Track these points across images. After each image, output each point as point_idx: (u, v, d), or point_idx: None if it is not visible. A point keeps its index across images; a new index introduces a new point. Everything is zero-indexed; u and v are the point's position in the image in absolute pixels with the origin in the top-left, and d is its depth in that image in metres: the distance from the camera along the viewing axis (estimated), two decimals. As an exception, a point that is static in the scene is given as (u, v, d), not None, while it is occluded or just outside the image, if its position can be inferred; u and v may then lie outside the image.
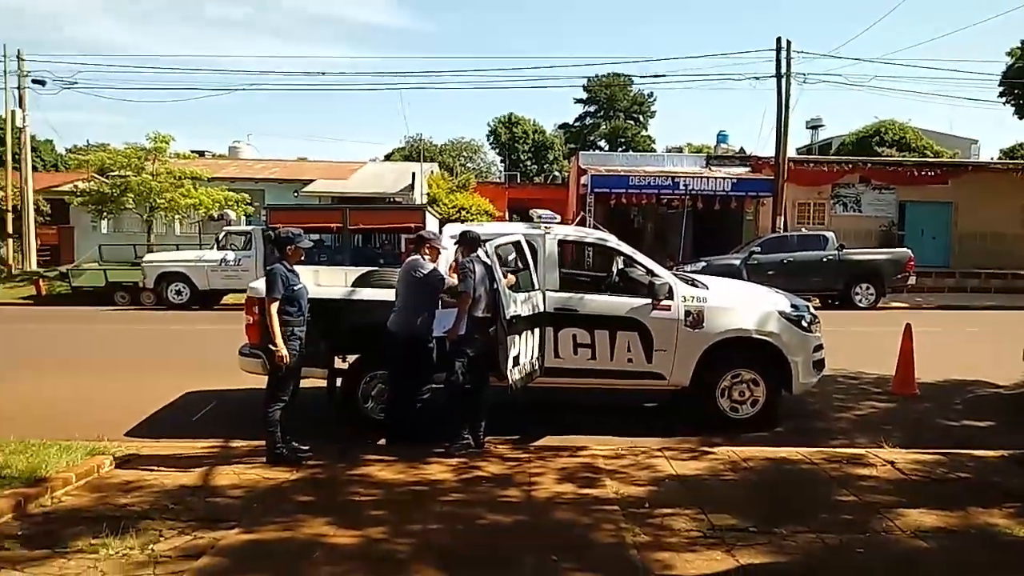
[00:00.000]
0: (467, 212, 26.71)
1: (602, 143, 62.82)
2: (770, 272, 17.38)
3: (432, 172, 34.20)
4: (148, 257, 20.26)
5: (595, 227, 17.11)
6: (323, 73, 78.99)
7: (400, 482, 5.42)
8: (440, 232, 7.92)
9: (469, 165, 60.39)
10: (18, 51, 25.97)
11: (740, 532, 4.46)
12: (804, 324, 7.36)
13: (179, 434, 6.81)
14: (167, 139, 24.61)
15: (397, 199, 28.06)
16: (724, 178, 24.96)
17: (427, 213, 19.88)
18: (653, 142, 62.41)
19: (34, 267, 25.59)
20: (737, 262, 18.26)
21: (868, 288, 18.42)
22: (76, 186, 26.03)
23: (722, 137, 35.00)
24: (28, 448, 5.77)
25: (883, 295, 18.61)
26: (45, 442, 5.90)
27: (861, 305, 18.27)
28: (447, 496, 5.13)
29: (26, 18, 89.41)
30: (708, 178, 24.91)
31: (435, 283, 6.36)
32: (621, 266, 8.35)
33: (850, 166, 26.96)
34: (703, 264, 18.08)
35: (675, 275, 7.69)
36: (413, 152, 49.24)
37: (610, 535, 4.43)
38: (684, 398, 7.48)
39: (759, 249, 18.84)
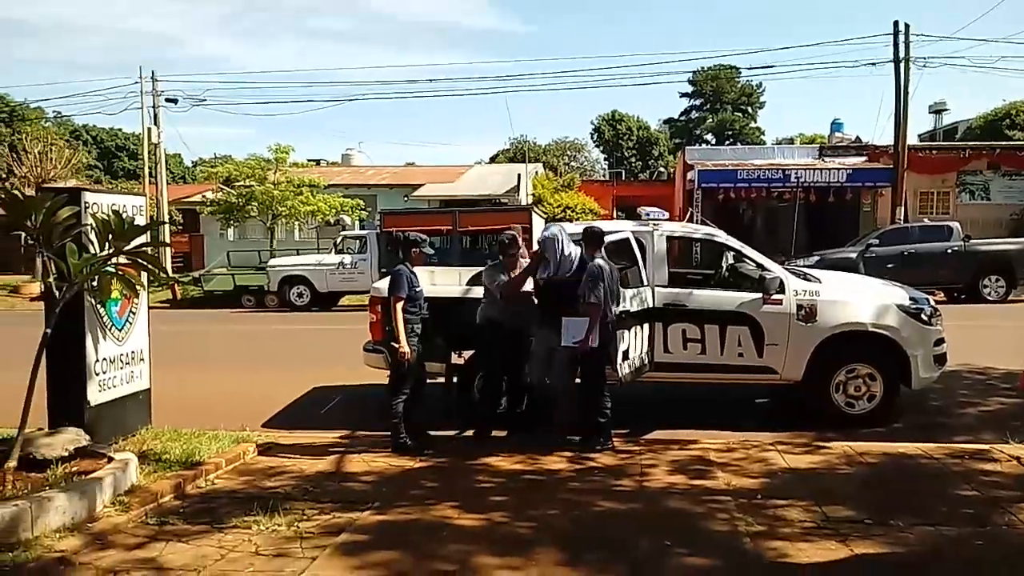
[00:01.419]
0: (572, 211, 26.88)
1: (709, 137, 61.63)
2: (889, 265, 16.73)
3: (537, 172, 34.56)
4: (272, 262, 21.48)
5: (703, 223, 16.96)
6: (431, 80, 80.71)
7: (518, 471, 5.68)
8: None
9: (573, 164, 60.45)
10: (152, 72, 27.96)
11: (855, 524, 4.47)
12: (924, 317, 7.18)
13: (310, 425, 7.32)
14: (287, 150, 25.97)
15: (503, 200, 28.54)
16: (839, 169, 24.16)
17: (533, 213, 20.18)
18: (762, 134, 60.76)
19: (170, 273, 27.54)
20: (854, 255, 17.67)
21: (998, 280, 17.44)
22: (205, 197, 27.87)
23: (836, 126, 33.73)
24: (182, 436, 6.36)
25: (1014, 287, 17.57)
26: (196, 431, 6.49)
27: (990, 298, 17.32)
28: (563, 484, 5.36)
29: (150, 39, 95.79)
30: (821, 169, 24.16)
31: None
32: (731, 261, 8.35)
33: (977, 152, 25.53)
34: (816, 258, 17.58)
35: (786, 269, 7.64)
36: (517, 153, 49.78)
37: (723, 524, 4.54)
38: (797, 393, 7.42)
39: (877, 241, 18.15)
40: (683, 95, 63.60)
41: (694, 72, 58.07)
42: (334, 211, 25.18)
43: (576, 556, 4.07)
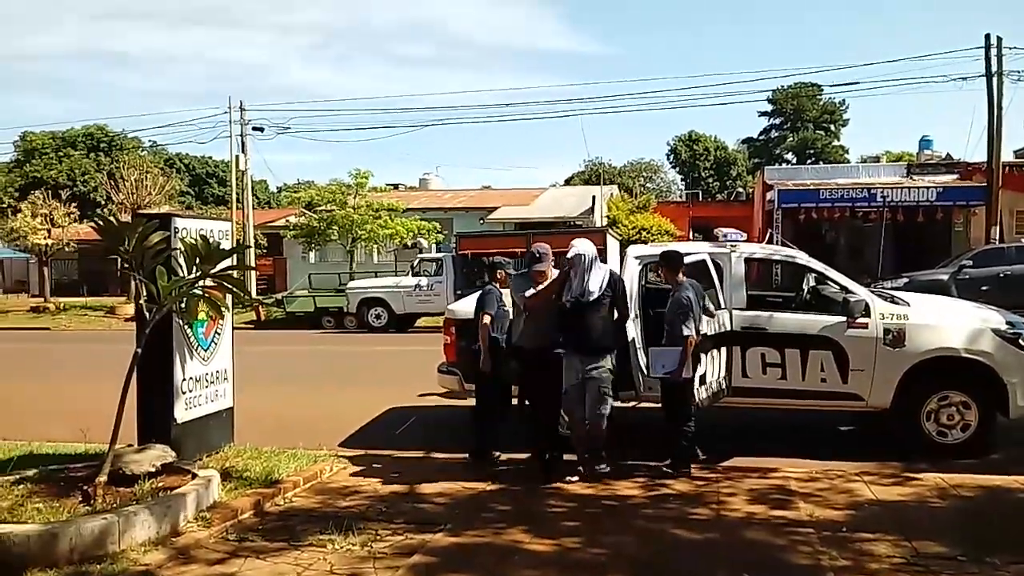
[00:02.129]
0: (648, 233, 26.61)
1: (789, 156, 60.25)
2: (984, 288, 15.93)
3: (612, 194, 34.48)
4: (351, 284, 21.98)
5: (783, 244, 16.55)
6: (508, 104, 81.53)
7: (591, 496, 5.61)
8: (624, 254, 8.10)
9: (649, 185, 60.10)
10: (240, 103, 29.20)
11: (948, 560, 4.23)
12: (1022, 342, 6.79)
13: (385, 445, 7.40)
14: (366, 175, 26.66)
15: (578, 222, 28.53)
16: (929, 187, 23.25)
17: (608, 235, 20.09)
18: (846, 152, 59.04)
19: (254, 295, 28.49)
20: (945, 277, 16.90)
21: (1103, 303, 16.38)
22: (288, 221, 28.79)
23: (926, 143, 32.48)
24: (262, 455, 6.53)
25: (1125, 311, 16.47)
26: (275, 450, 6.65)
27: (1096, 323, 16.28)
28: (637, 511, 5.25)
29: (240, 68, 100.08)
30: (910, 188, 23.31)
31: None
32: (812, 283, 8.10)
33: (1082, 167, 24.19)
34: (905, 280, 16.89)
35: (872, 292, 7.37)
36: (592, 175, 49.80)
37: (805, 557, 4.36)
38: (885, 422, 7.10)
39: (971, 263, 17.33)
40: (762, 114, 62.44)
41: (774, 90, 56.88)
42: (411, 234, 25.65)
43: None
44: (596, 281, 5.81)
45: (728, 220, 24.05)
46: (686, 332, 5.97)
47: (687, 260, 6.67)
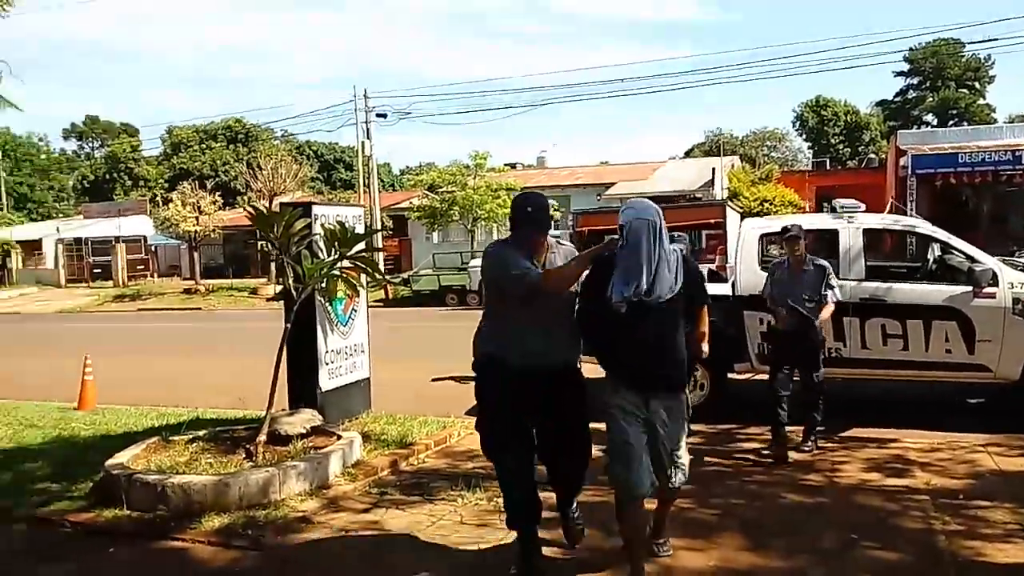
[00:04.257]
0: (770, 204, 25.95)
1: (929, 117, 56.58)
2: None
3: (733, 165, 33.67)
4: (473, 263, 22.68)
5: (906, 213, 15.86)
6: (622, 80, 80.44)
7: (707, 461, 5.82)
8: (740, 226, 8.16)
9: (773, 155, 58.05)
10: (364, 90, 30.37)
11: (1068, 529, 4.22)
12: None
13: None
14: (485, 156, 27.29)
15: (697, 196, 28.13)
16: (1083, 146, 21.46)
17: (728, 208, 19.82)
18: (993, 111, 54.92)
19: (382, 274, 29.81)
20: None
21: None
22: (412, 203, 29.85)
23: (1082, 98, 29.94)
24: (396, 421, 7.11)
25: None
26: (408, 416, 7.22)
27: None
28: (749, 476, 5.45)
29: (350, 55, 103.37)
30: (1061, 148, 21.57)
31: None
32: (937, 253, 7.90)
33: None
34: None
35: (1003, 261, 7.14)
36: (713, 147, 48.66)
37: (916, 521, 4.45)
38: (1017, 393, 6.90)
39: None
40: (898, 74, 58.82)
41: (910, 49, 53.57)
42: (529, 212, 26.08)
43: (759, 543, 4.20)
44: (670, 271, 3.52)
45: (858, 189, 23.10)
46: (833, 300, 6.03)
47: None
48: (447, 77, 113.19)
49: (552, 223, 3.86)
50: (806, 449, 6.01)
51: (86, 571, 4.20)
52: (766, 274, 6.52)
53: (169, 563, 4.29)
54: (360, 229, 7.05)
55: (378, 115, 30.70)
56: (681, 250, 3.66)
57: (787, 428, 5.97)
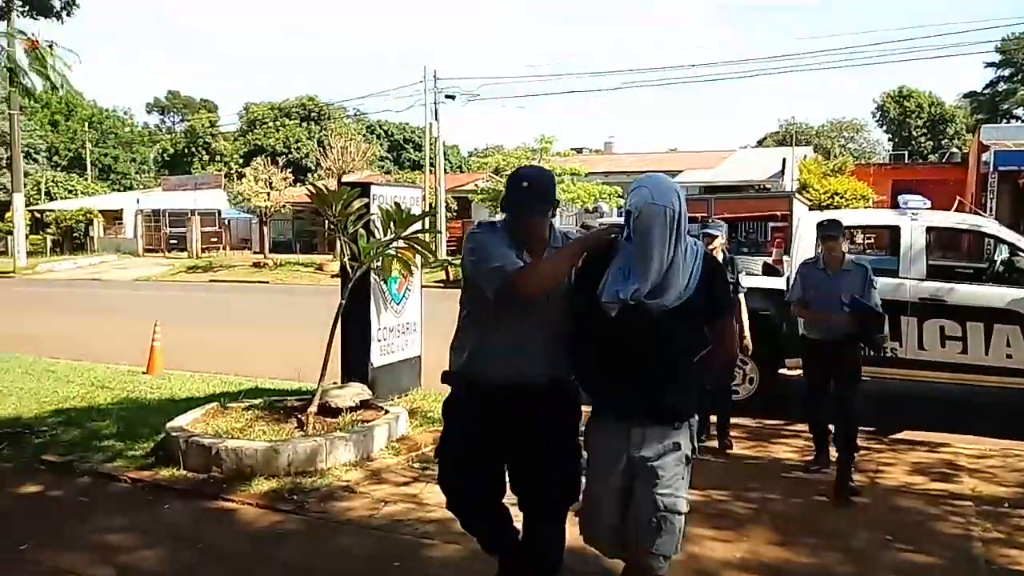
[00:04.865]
0: (841, 198, 25.25)
1: (1020, 112, 53.97)
2: None
3: (805, 156, 32.85)
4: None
5: (979, 212, 15.25)
6: (692, 66, 78.92)
7: (744, 456, 5.82)
8: (799, 219, 8.03)
9: (850, 146, 56.34)
10: (434, 72, 30.64)
11: (1116, 544, 4.10)
12: None
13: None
14: (550, 140, 27.30)
15: (766, 186, 27.58)
16: None
17: (795, 200, 19.36)
18: (1088, 107, 51.95)
19: (444, 256, 30.14)
20: None
21: None
22: (476, 185, 30.05)
23: None
24: (443, 399, 7.26)
25: None
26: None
27: None
28: (788, 472, 5.42)
29: (433, 39, 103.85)
30: None
31: None
32: (1005, 255, 7.64)
33: None
34: None
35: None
36: (787, 136, 47.49)
37: (955, 527, 4.39)
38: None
39: None
40: (989, 65, 56.14)
41: (1003, 39, 51.05)
42: (592, 198, 26.01)
43: (789, 538, 4.20)
44: (683, 269, 2.73)
45: (937, 184, 22.37)
46: (878, 301, 5.19)
47: (856, 225, 6.56)
48: (518, 59, 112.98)
49: (555, 207, 3.03)
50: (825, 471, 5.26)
51: (142, 524, 4.47)
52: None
53: (218, 522, 4.52)
54: (417, 211, 7.21)
55: (447, 96, 30.96)
56: (706, 240, 3.11)
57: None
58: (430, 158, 31.79)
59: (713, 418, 5.93)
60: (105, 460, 5.45)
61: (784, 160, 29.03)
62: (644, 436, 2.73)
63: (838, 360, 5.13)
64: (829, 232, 5.28)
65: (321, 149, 30.73)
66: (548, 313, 2.91)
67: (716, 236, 6.00)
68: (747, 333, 6.07)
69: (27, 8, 9.68)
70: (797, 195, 20.59)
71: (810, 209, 18.43)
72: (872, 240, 18.76)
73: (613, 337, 2.73)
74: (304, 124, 53.73)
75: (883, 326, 5.24)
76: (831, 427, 5.26)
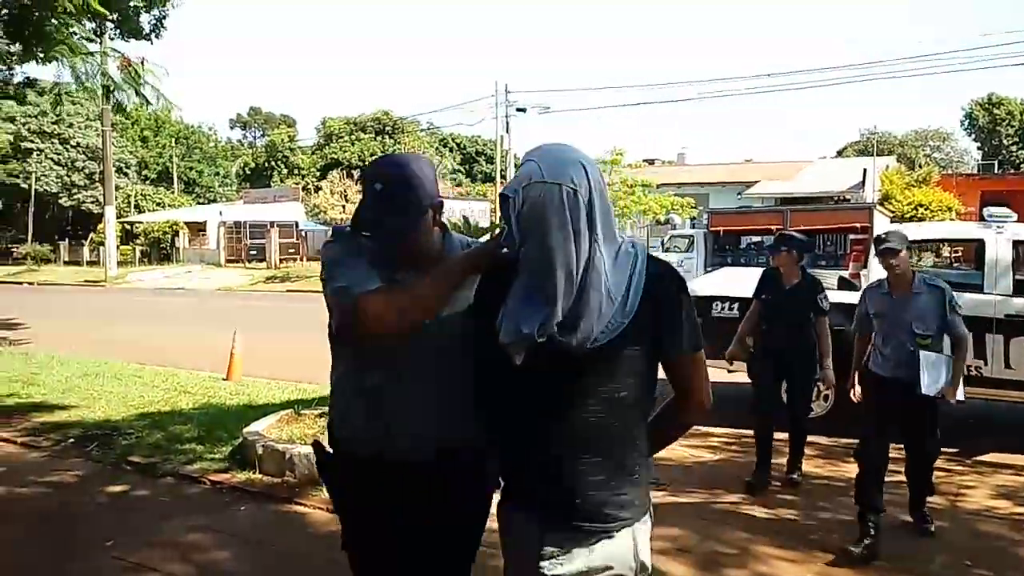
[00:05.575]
0: (926, 210, 24.38)
1: (1120, 119, 51.23)
2: None
3: (887, 167, 31.85)
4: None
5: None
6: (768, 75, 77.51)
7: (817, 475, 5.67)
8: (876, 233, 7.79)
9: (935, 156, 54.34)
10: (505, 85, 31.06)
11: None
12: None
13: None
14: (621, 152, 27.20)
15: (846, 198, 26.84)
16: None
17: (875, 212, 18.79)
18: None
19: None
20: None
21: None
22: (547, 197, 30.18)
23: None
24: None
25: None
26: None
27: None
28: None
29: (501, 51, 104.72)
30: None
31: None
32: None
33: None
34: None
35: None
36: (868, 146, 46.12)
37: (1041, 554, 4.18)
38: None
39: None
40: (1085, 70, 53.42)
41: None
42: (664, 210, 25.79)
43: (860, 561, 4.07)
44: (611, 281, 1.74)
45: (1025, 195, 21.35)
46: (962, 331, 4.41)
47: (928, 238, 6.33)
48: (588, 71, 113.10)
49: (435, 211, 2.12)
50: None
51: (218, 524, 4.64)
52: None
53: (291, 525, 4.66)
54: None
55: (518, 109, 31.26)
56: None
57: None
58: (500, 170, 32.07)
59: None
60: (186, 462, 5.69)
61: (865, 170, 28.19)
62: (563, 547, 1.78)
63: (910, 402, 4.29)
64: (887, 246, 4.36)
65: (395, 162, 31.29)
66: (439, 358, 2.08)
67: (783, 251, 5.43)
68: (829, 362, 5.36)
69: (119, 31, 10.29)
70: (878, 207, 20.00)
71: (892, 221, 17.88)
72: (960, 253, 18.07)
73: (521, 393, 1.81)
74: (378, 138, 54.85)
75: (965, 353, 4.53)
76: (876, 495, 4.34)
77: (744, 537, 4.39)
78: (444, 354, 2.07)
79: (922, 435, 4.43)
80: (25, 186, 49.11)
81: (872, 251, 6.90)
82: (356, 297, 1.93)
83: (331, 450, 2.26)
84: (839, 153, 53.96)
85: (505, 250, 1.85)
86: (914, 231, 7.04)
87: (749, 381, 5.77)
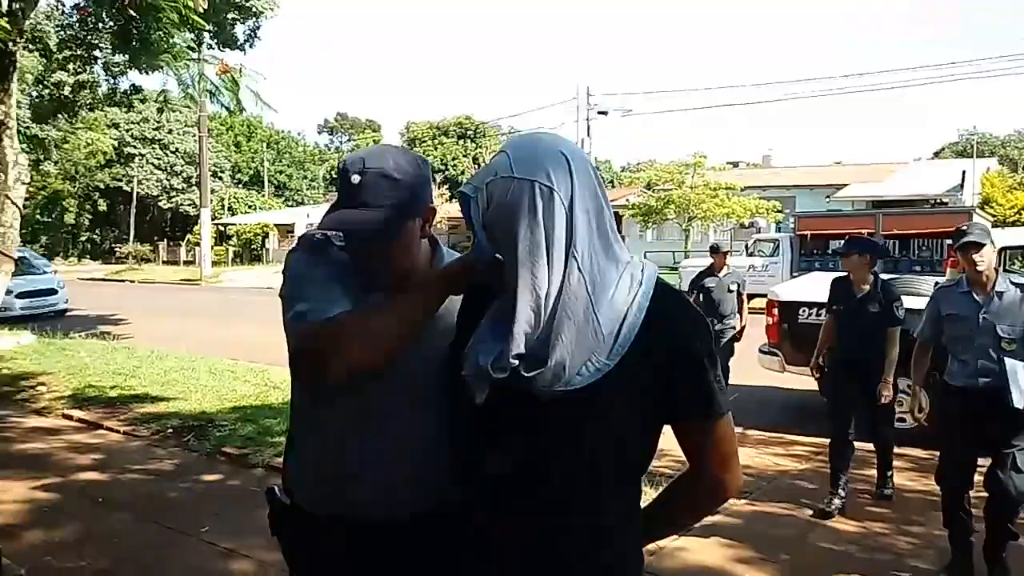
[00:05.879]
0: (1030, 213, 23.14)
1: None
2: None
3: (988, 169, 30.35)
4: (684, 263, 22.38)
5: None
6: (860, 74, 74.85)
7: (911, 488, 5.46)
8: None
9: (1041, 157, 51.41)
10: (587, 88, 30.93)
11: None
12: None
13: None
14: (704, 156, 26.78)
15: (943, 201, 25.69)
16: None
17: (975, 215, 17.91)
18: None
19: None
20: None
21: None
22: (628, 200, 29.93)
23: None
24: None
25: None
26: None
27: None
28: (959, 508, 5.02)
29: (583, 53, 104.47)
30: None
31: None
32: None
33: None
34: None
35: None
36: (967, 147, 44.05)
37: None
38: None
39: None
40: None
41: None
42: (749, 213, 25.26)
43: (956, 579, 3.91)
44: (594, 318, 1.29)
45: None
46: None
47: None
48: (671, 72, 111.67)
49: (426, 217, 1.73)
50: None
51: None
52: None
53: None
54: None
55: (599, 112, 31.11)
56: (644, 268, 1.01)
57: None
58: (582, 173, 32.04)
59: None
60: (275, 455, 5.88)
61: (964, 173, 26.92)
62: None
63: (997, 418, 3.76)
64: (970, 239, 3.82)
65: (476, 166, 31.72)
66: (414, 396, 1.69)
67: (853, 255, 5.10)
68: (890, 380, 4.99)
69: (215, 41, 10.80)
70: (978, 210, 19.07)
71: (993, 225, 17.00)
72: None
73: (481, 442, 1.42)
74: (460, 142, 55.61)
75: None
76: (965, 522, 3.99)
77: (830, 550, 4.28)
78: (420, 391, 1.66)
79: (1007, 458, 3.76)
80: (128, 189, 51.94)
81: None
82: (315, 327, 1.57)
83: (287, 500, 1.84)
84: (936, 155, 51.71)
85: (474, 260, 1.48)
86: (1016, 236, 6.69)
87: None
